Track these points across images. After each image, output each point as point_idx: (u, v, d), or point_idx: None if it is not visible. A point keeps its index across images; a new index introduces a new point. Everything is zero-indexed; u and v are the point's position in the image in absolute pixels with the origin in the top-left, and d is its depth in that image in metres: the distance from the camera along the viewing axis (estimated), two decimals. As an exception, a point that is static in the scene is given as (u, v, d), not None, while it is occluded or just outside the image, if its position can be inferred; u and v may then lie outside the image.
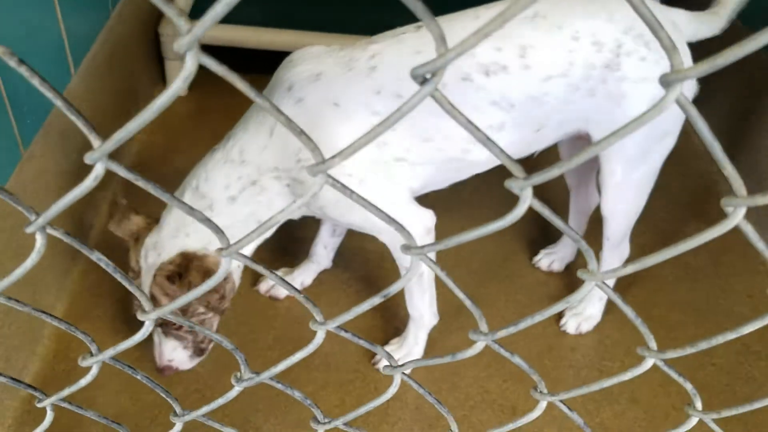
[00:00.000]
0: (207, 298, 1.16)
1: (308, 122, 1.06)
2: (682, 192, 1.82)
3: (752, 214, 1.76)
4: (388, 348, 1.35)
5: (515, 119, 1.10)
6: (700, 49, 1.19)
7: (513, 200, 0.36)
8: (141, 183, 0.35)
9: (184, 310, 1.17)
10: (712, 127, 0.34)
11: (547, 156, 1.24)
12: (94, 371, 0.47)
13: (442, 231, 1.15)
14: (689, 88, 1.16)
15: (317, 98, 1.08)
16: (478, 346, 0.46)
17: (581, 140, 1.28)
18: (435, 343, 1.36)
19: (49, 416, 0.53)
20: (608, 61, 1.08)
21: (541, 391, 0.56)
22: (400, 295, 1.33)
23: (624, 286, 1.53)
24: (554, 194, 1.79)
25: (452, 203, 1.55)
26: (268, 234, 1.21)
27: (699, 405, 0.56)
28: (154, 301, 1.15)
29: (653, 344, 0.48)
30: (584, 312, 1.44)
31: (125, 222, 1.19)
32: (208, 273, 1.12)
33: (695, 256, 1.63)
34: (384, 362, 1.35)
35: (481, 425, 1.27)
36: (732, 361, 1.39)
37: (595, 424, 1.28)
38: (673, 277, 1.58)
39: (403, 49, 1.09)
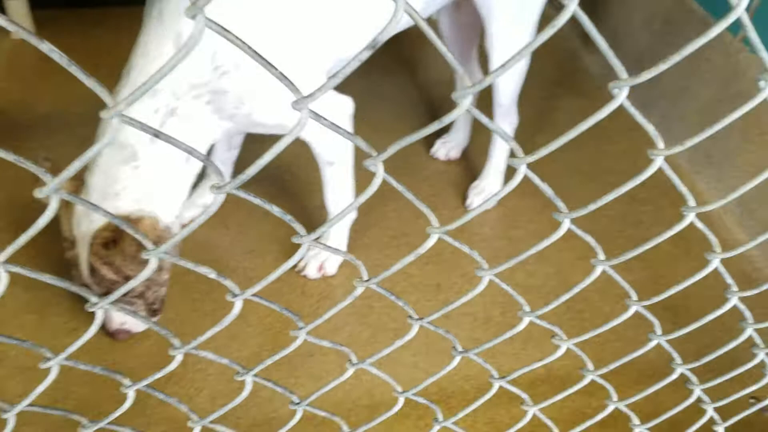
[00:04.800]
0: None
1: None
2: (553, 71, 1.92)
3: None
4: (312, 252, 1.35)
5: None
6: None
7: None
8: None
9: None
10: None
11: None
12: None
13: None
14: None
15: None
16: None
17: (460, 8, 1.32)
18: (354, 239, 1.38)
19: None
20: None
21: (483, 268, 0.64)
22: (316, 200, 1.33)
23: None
24: (436, 76, 1.84)
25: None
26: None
27: (602, 255, 0.64)
28: (95, 273, 1.08)
29: (563, 206, 0.58)
30: (486, 188, 1.51)
31: None
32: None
33: (574, 126, 1.73)
34: (309, 268, 1.35)
35: (413, 305, 1.31)
36: (622, 211, 1.52)
37: (513, 284, 1.36)
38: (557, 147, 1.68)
39: None
